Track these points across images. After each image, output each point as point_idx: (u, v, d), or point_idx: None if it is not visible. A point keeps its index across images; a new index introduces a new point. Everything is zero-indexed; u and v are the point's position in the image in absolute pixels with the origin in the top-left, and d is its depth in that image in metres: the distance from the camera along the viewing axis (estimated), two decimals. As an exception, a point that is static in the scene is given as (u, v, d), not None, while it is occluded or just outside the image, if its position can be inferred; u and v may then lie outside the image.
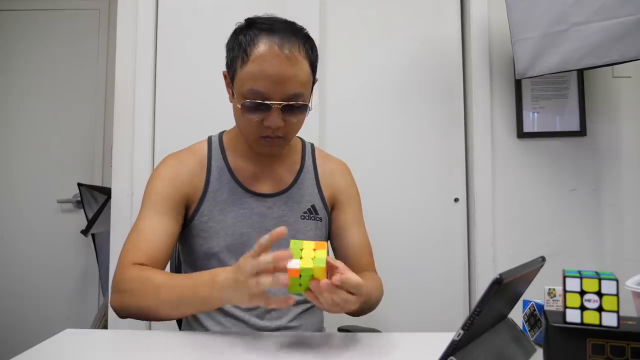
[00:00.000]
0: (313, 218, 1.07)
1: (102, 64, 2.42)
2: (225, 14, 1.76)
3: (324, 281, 0.71)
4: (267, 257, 0.71)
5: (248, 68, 0.91)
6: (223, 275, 0.77)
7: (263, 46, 0.90)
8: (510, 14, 1.59)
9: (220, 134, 1.11)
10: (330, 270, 0.75)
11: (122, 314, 0.88)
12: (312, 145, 1.17)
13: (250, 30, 0.93)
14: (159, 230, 0.96)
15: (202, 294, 0.80)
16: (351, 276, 0.74)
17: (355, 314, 0.98)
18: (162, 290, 0.84)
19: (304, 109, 0.95)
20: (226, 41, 0.99)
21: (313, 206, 1.08)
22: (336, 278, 0.72)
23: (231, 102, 1.00)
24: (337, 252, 1.12)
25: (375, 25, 1.85)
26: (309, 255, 0.71)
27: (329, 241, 1.14)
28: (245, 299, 0.73)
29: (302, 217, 1.06)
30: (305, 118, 0.98)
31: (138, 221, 0.98)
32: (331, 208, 1.12)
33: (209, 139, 1.10)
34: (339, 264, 0.76)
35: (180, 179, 1.01)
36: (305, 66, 0.93)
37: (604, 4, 1.44)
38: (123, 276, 0.89)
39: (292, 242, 0.74)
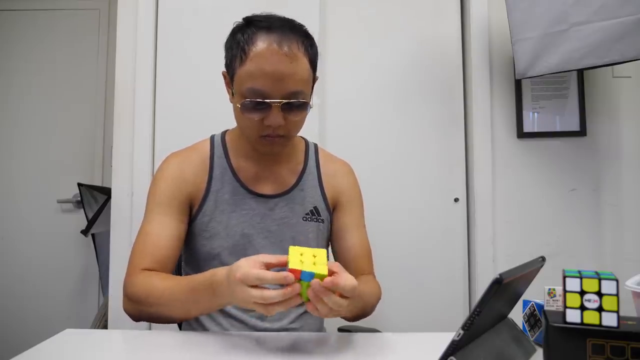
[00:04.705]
0: (315, 220, 1.06)
1: (102, 64, 2.42)
2: (225, 14, 1.73)
3: (319, 284, 0.68)
4: (259, 273, 0.69)
5: (247, 67, 0.90)
6: (219, 275, 0.78)
7: (261, 44, 0.89)
8: (510, 14, 1.59)
9: (223, 133, 1.11)
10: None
11: (136, 319, 0.91)
12: (315, 146, 1.16)
13: (249, 28, 0.92)
14: (166, 233, 0.96)
15: (203, 297, 0.81)
16: (345, 279, 0.71)
17: (349, 319, 0.97)
18: (166, 299, 0.85)
19: (304, 106, 0.94)
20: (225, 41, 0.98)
21: (315, 208, 1.07)
22: (328, 279, 0.69)
23: (231, 102, 0.99)
24: (336, 255, 1.11)
25: (375, 25, 1.85)
26: (310, 260, 0.71)
27: (329, 241, 1.14)
28: (238, 302, 0.74)
29: (304, 219, 1.05)
30: (307, 116, 0.97)
31: (144, 224, 0.98)
32: (333, 209, 1.11)
33: (212, 138, 1.09)
34: (334, 265, 0.74)
35: (184, 178, 1.01)
36: (304, 63, 0.92)
37: (604, 4, 1.44)
38: (132, 283, 0.90)
39: (291, 248, 0.73)
